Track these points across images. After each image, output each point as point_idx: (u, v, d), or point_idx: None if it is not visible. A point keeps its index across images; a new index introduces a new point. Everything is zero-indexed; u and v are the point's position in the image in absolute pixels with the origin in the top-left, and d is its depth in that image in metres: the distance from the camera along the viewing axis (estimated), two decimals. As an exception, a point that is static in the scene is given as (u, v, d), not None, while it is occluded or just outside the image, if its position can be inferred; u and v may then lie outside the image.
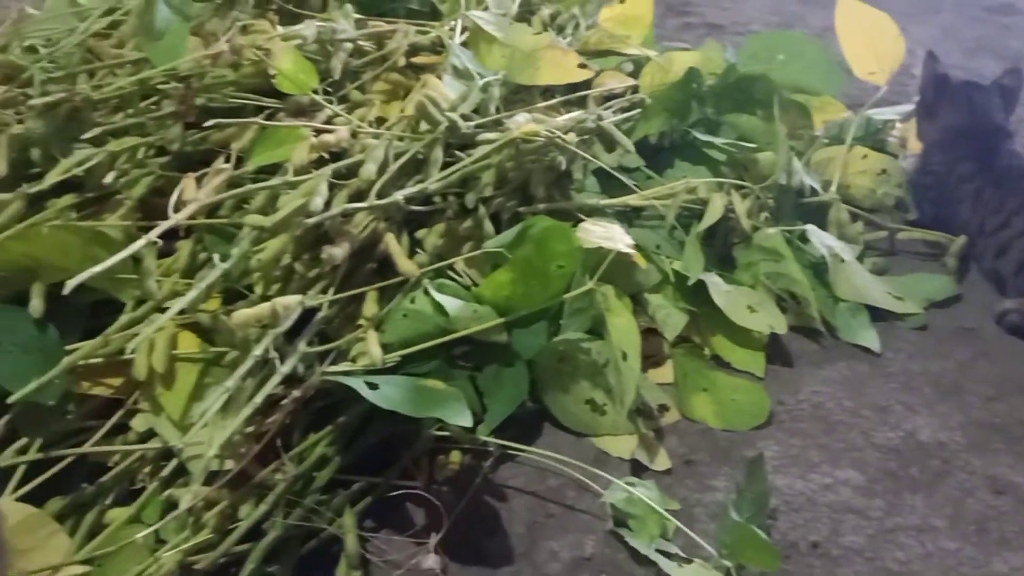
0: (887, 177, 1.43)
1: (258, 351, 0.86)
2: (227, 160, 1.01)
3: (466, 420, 0.86)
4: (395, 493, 0.94)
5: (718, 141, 1.34)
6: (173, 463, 0.87)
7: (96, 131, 1.02)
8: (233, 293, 0.98)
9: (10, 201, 0.91)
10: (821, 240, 1.24)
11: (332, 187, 0.99)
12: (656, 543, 0.91)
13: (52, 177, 0.95)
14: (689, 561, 0.90)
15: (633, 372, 0.99)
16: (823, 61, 1.45)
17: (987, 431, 1.09)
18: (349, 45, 1.21)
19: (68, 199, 0.98)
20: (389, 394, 0.86)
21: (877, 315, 1.24)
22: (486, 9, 1.37)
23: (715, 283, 1.17)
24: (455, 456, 1.00)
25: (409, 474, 0.97)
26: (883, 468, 1.03)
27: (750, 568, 0.88)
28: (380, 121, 1.15)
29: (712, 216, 1.21)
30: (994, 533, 0.96)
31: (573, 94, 1.32)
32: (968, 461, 1.05)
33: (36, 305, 0.87)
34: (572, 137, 1.17)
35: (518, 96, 1.31)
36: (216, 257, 0.89)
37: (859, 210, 1.40)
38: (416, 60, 1.25)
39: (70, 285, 0.78)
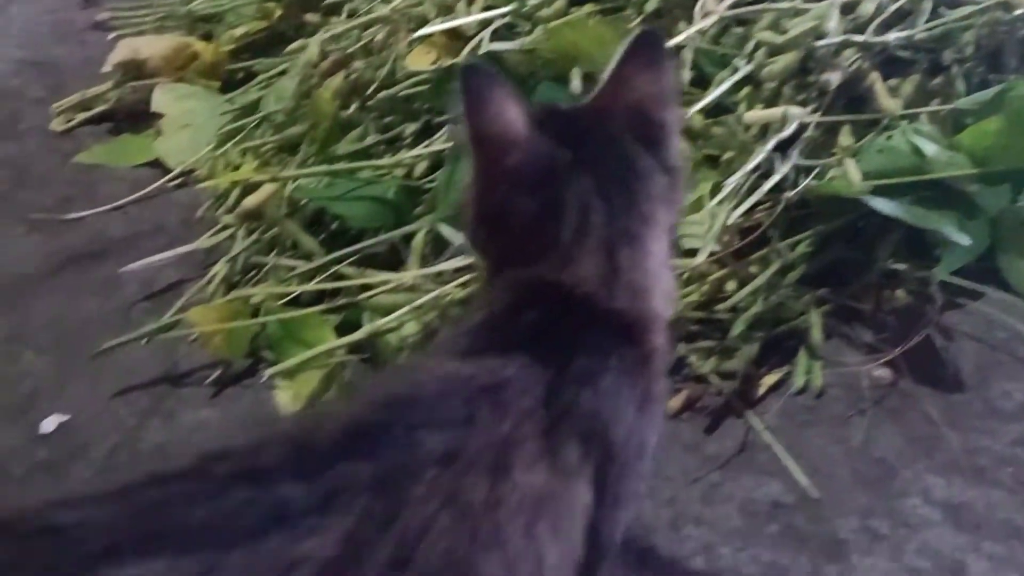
0: None
1: (766, 149, 0.95)
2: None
3: (962, 239, 0.90)
4: (845, 312, 1.01)
5: None
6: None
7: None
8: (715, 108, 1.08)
9: (558, -4, 1.07)
10: None
11: (828, 20, 1.05)
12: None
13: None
14: None
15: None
16: None
17: None
18: None
19: (589, 7, 1.12)
20: (886, 205, 0.91)
21: None
22: None
23: None
24: (901, 293, 1.04)
25: (858, 298, 1.03)
26: None
27: None
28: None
29: None
30: None
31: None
32: None
33: (576, 85, 1.02)
34: (1065, 9, 1.13)
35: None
36: (738, 61, 0.98)
37: None
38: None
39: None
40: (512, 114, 0.52)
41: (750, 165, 0.96)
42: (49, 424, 0.92)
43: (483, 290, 0.56)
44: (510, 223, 0.53)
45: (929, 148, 1.02)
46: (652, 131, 0.55)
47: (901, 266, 1.03)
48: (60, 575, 0.35)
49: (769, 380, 0.96)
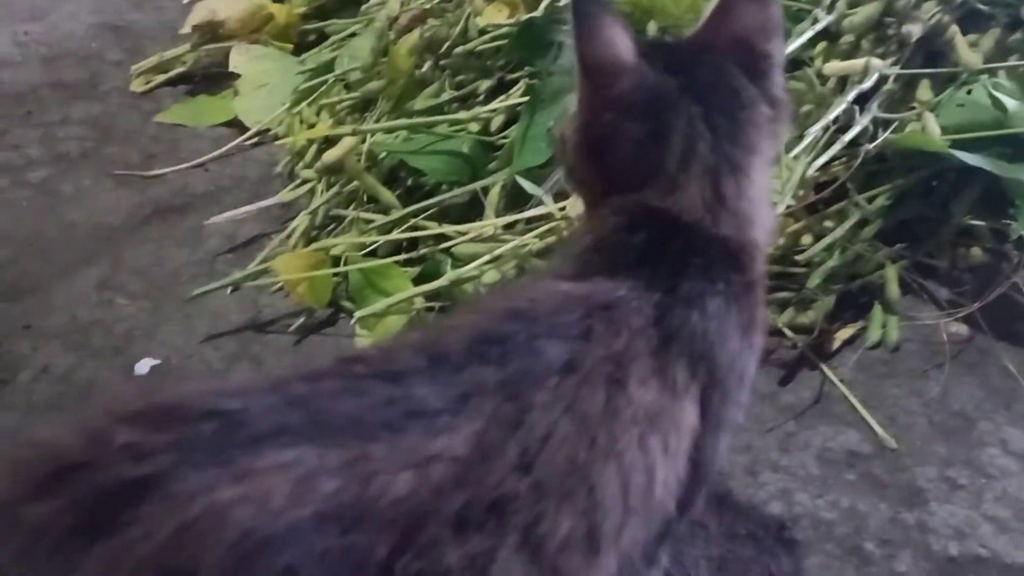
0: None
1: (846, 100, 0.95)
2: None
3: (1048, 191, 0.89)
4: (920, 268, 1.01)
5: None
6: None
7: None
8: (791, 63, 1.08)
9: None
10: None
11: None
12: None
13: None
14: None
15: None
16: None
17: None
18: None
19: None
20: (971, 157, 0.91)
21: None
22: None
23: None
24: (976, 251, 1.03)
25: (933, 255, 1.03)
26: None
27: None
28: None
29: None
30: None
31: None
32: None
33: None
34: None
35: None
36: (819, 12, 0.97)
37: None
38: None
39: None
40: (622, 41, 0.53)
41: (830, 117, 0.95)
42: (143, 367, 0.96)
43: (585, 218, 0.57)
44: (616, 150, 0.54)
45: (1010, 103, 1.00)
46: (756, 62, 0.56)
47: (977, 223, 1.02)
48: (229, 454, 0.37)
49: (844, 334, 0.96)
